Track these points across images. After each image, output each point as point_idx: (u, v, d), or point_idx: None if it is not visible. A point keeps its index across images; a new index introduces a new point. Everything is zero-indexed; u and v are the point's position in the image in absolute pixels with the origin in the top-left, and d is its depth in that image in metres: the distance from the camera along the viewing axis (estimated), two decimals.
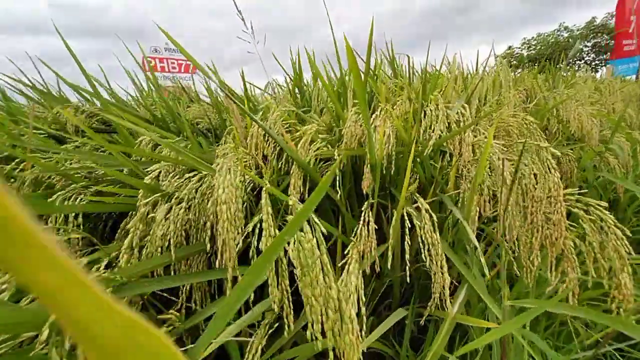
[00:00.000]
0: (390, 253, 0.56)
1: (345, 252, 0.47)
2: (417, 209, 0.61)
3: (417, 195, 0.58)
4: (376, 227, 0.62)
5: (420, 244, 0.52)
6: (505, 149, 0.62)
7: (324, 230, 0.36)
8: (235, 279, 0.57)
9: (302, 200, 0.70)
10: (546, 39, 18.72)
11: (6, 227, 0.06)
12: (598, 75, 4.36)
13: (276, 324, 0.53)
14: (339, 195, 0.68)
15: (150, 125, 1.33)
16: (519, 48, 19.97)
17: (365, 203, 0.60)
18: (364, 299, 0.50)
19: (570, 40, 17.95)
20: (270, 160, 0.76)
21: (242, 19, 1.00)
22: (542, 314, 0.73)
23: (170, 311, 0.43)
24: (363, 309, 0.50)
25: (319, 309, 0.34)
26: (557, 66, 2.57)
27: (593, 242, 0.53)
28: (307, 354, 0.53)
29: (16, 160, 0.77)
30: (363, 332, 0.53)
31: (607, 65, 3.37)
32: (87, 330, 0.07)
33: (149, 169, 0.57)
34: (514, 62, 19.30)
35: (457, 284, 0.76)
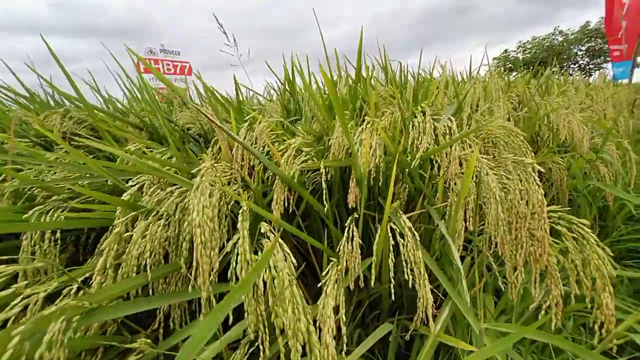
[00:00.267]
0: (374, 270, 0.55)
1: (324, 273, 0.46)
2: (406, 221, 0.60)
3: (401, 212, 0.57)
4: (361, 243, 0.61)
5: (403, 262, 0.52)
6: (491, 164, 0.61)
7: (294, 262, 0.35)
8: (216, 297, 0.56)
9: (287, 213, 0.69)
10: (541, 43, 18.89)
11: None
12: (592, 79, 4.40)
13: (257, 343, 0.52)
14: (326, 209, 0.67)
15: (140, 131, 1.32)
16: (515, 51, 20.15)
17: (349, 218, 0.60)
18: (344, 318, 0.49)
19: (564, 44, 18.13)
20: (257, 170, 0.75)
21: (224, 33, 0.99)
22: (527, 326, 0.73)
23: (141, 337, 0.42)
24: (344, 329, 0.49)
25: (291, 341, 0.33)
26: (552, 70, 2.60)
27: (576, 260, 0.52)
28: None
29: None
30: (344, 353, 0.53)
31: (600, 70, 3.40)
32: None
33: (128, 185, 0.56)
34: (510, 65, 19.46)
35: (443, 298, 0.76)
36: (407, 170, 0.83)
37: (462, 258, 0.85)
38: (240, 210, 0.38)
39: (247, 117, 0.73)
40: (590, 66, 18.19)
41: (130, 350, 0.41)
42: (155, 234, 0.47)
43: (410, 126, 0.78)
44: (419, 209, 0.84)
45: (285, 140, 0.78)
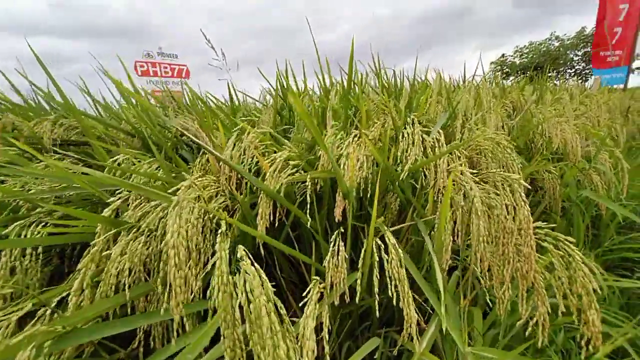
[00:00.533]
0: (359, 286, 0.55)
1: (304, 294, 0.45)
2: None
3: (386, 228, 0.57)
4: (351, 254, 0.61)
5: (388, 280, 0.51)
6: (476, 178, 0.61)
7: (271, 293, 0.34)
8: (200, 313, 0.56)
9: (272, 225, 0.68)
10: (538, 48, 19.05)
11: None
12: (588, 83, 4.44)
13: None
14: (310, 223, 0.67)
15: (132, 137, 1.31)
16: (512, 56, 20.29)
17: (335, 233, 0.59)
18: (327, 337, 0.48)
19: (561, 49, 18.29)
20: (246, 180, 0.75)
21: (212, 48, 0.99)
22: (516, 340, 0.72)
23: (120, 357, 0.41)
24: (327, 348, 0.48)
25: None
26: (548, 75, 2.61)
27: (562, 277, 0.52)
28: None
29: None
30: None
31: (595, 77, 3.43)
32: None
33: (112, 198, 0.56)
34: (507, 69, 19.59)
35: (431, 312, 0.75)
36: (397, 182, 0.83)
37: (455, 268, 0.85)
38: (219, 232, 0.38)
39: (235, 129, 0.73)
40: (586, 71, 18.34)
41: None
42: (135, 252, 0.46)
43: (401, 137, 0.78)
44: (409, 221, 0.83)
45: (275, 152, 0.78)
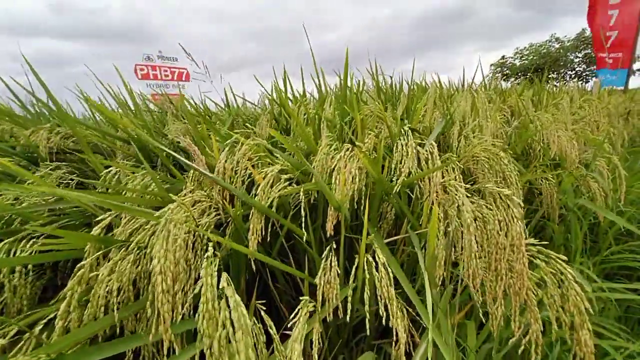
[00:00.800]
0: (349, 303, 0.54)
1: (292, 316, 0.45)
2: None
3: (376, 245, 0.56)
4: (345, 265, 0.60)
5: (378, 297, 0.51)
6: (468, 194, 0.61)
7: (250, 328, 0.34)
8: (191, 332, 0.55)
9: (264, 241, 0.68)
10: (538, 49, 19.05)
11: None
12: (588, 85, 4.45)
13: None
14: (305, 238, 0.66)
15: (129, 145, 1.31)
16: (512, 57, 20.30)
17: (327, 249, 0.59)
18: (316, 357, 0.48)
19: (561, 50, 18.29)
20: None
21: (193, 60, 0.99)
22: (511, 354, 0.72)
23: None
24: None
25: None
26: (548, 76, 2.60)
27: (554, 294, 0.52)
28: None
29: None
30: None
31: (595, 80, 3.42)
32: None
33: (100, 218, 0.55)
34: (507, 71, 19.58)
35: (426, 325, 0.74)
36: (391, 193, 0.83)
37: (452, 278, 0.84)
38: (205, 256, 0.38)
39: (228, 142, 0.72)
40: (587, 73, 18.33)
41: None
42: (124, 271, 0.46)
43: (395, 148, 0.78)
44: (404, 232, 0.83)
45: (270, 163, 0.78)
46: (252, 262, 0.61)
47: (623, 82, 3.79)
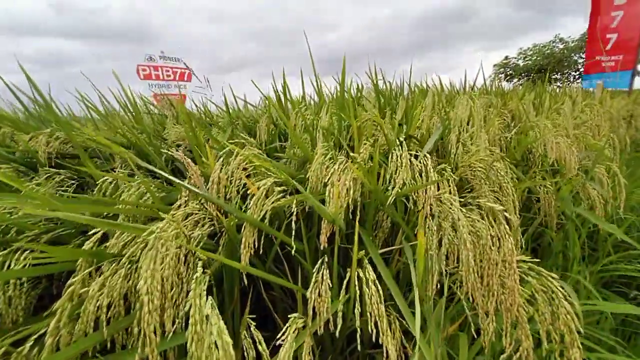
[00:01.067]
0: (339, 318, 0.54)
1: (280, 334, 0.45)
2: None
3: (367, 262, 0.56)
4: (330, 285, 0.60)
5: (368, 314, 0.51)
6: (462, 209, 0.61)
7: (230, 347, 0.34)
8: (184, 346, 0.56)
9: (257, 254, 0.68)
10: (542, 50, 18.90)
11: None
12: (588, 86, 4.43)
13: None
14: (300, 246, 0.67)
15: (127, 150, 1.32)
16: (515, 58, 20.17)
17: (319, 262, 0.59)
18: None
19: (565, 51, 18.15)
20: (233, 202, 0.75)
21: (192, 72, 0.99)
22: None
23: None
24: None
25: None
26: (552, 77, 2.59)
27: (545, 312, 0.51)
28: None
29: None
30: None
31: (598, 82, 3.41)
32: None
33: (93, 232, 0.56)
34: (510, 72, 19.47)
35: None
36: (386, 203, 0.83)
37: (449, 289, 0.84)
38: (195, 277, 0.38)
39: (222, 152, 0.73)
40: None
41: None
42: (114, 286, 0.47)
43: (390, 158, 0.78)
44: (398, 243, 0.83)
45: (266, 173, 0.78)
46: (244, 276, 0.61)
47: (627, 84, 3.77)
